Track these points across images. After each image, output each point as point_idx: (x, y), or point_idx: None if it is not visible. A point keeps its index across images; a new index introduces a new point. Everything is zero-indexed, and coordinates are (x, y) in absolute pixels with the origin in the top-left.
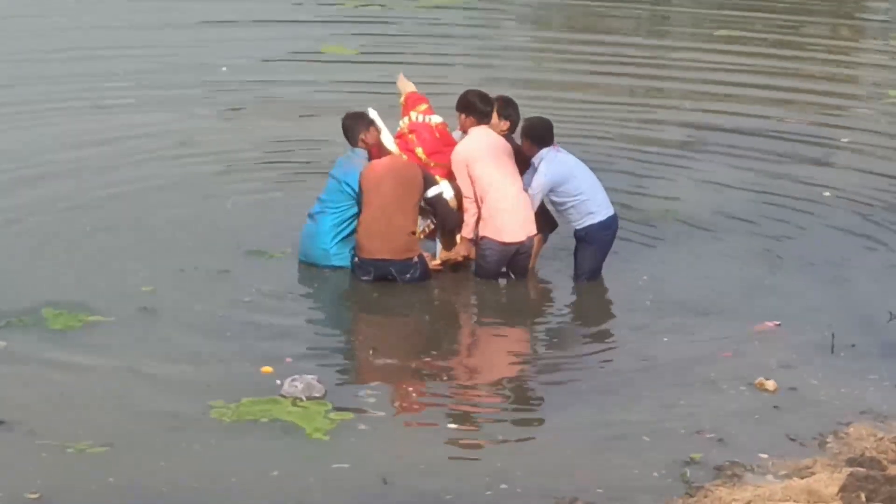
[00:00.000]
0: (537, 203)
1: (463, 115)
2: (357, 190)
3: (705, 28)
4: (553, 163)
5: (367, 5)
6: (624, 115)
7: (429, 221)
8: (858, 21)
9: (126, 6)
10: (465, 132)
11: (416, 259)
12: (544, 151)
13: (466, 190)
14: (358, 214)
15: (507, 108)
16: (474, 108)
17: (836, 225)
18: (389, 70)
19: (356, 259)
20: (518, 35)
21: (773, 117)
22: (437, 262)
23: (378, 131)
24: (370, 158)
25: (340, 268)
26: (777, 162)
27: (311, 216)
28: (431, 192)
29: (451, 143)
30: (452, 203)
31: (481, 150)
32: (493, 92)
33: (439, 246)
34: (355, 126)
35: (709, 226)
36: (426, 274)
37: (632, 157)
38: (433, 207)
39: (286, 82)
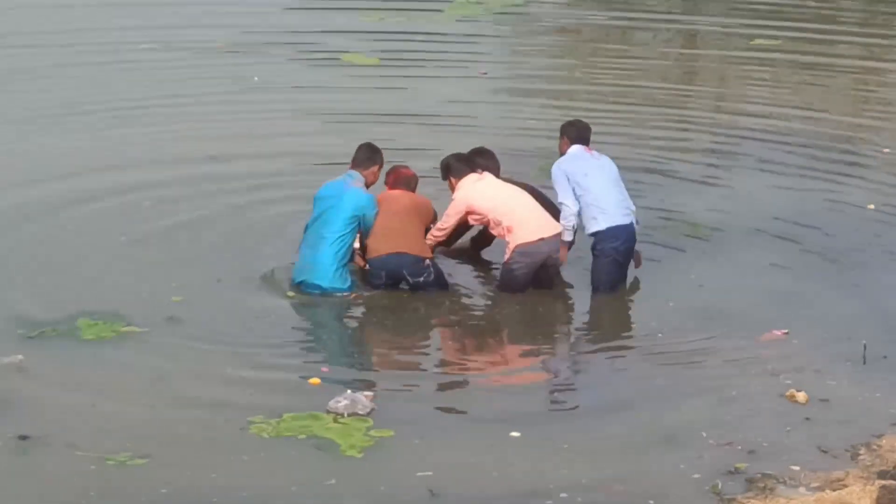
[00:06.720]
0: (561, 192)
1: (449, 181)
2: (360, 206)
3: (740, 37)
4: (571, 159)
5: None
6: (657, 125)
7: None
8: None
9: (155, 34)
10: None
11: (428, 262)
12: (573, 148)
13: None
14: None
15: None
16: (455, 165)
17: (875, 237)
18: (409, 81)
19: (367, 265)
20: (542, 47)
21: (811, 128)
22: None
23: (376, 178)
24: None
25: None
26: (818, 173)
27: (306, 243)
28: None
29: None
30: None
31: (476, 187)
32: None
33: None
34: (368, 156)
35: (745, 237)
36: (442, 282)
37: (665, 168)
38: None
39: (315, 92)
